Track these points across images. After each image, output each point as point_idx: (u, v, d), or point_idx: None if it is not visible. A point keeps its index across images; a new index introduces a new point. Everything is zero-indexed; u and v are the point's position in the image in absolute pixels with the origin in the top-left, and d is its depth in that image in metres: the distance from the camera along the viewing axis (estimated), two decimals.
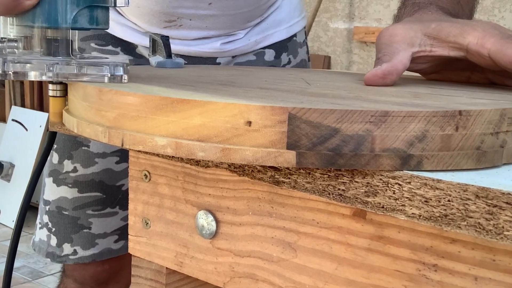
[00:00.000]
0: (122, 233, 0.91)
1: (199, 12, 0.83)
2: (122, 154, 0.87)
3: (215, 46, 0.87)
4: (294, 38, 0.96)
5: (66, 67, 0.49)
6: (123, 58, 0.56)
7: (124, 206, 0.89)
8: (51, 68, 0.49)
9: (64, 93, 0.53)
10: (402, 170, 0.38)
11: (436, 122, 0.39)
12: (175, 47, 0.84)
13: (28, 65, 0.49)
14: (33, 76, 0.49)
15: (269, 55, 0.92)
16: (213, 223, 0.49)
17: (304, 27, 0.98)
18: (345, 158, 0.38)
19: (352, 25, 2.60)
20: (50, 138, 0.59)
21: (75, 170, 0.87)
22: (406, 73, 0.63)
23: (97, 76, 0.49)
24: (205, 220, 0.50)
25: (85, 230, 0.89)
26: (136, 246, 0.56)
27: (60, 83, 0.52)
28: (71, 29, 0.52)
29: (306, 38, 1.00)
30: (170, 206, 0.53)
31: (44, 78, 0.49)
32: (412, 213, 0.37)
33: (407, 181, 0.37)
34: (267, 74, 0.67)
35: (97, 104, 0.46)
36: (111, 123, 0.45)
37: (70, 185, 0.88)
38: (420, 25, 0.58)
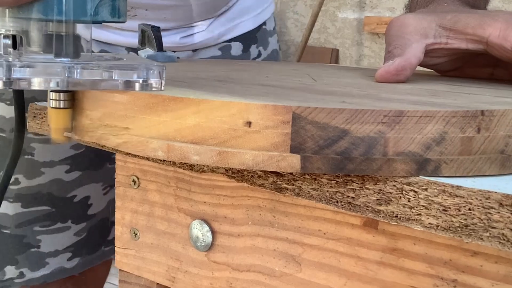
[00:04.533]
0: (77, 249, 0.89)
1: (156, 2, 0.81)
2: (73, 162, 0.85)
3: (173, 39, 0.85)
4: (264, 26, 0.94)
5: (91, 71, 0.43)
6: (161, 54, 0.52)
7: (77, 220, 0.88)
8: (69, 74, 0.42)
9: (71, 104, 0.46)
10: (418, 176, 0.38)
11: (456, 123, 0.39)
12: (127, 39, 0.82)
13: (39, 70, 0.42)
14: (45, 84, 0.42)
15: (236, 48, 0.91)
16: (209, 234, 0.49)
17: (273, 13, 0.97)
18: (355, 163, 0.38)
19: (362, 15, 2.60)
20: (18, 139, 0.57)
21: (16, 182, 0.84)
22: (422, 69, 0.63)
23: (126, 82, 0.44)
24: (200, 231, 0.50)
25: (32, 249, 0.86)
26: (123, 259, 0.56)
27: (66, 90, 0.46)
28: (92, 23, 0.46)
29: (275, 24, 0.99)
30: (161, 215, 0.53)
31: (59, 86, 0.43)
32: (429, 223, 0.37)
33: (424, 187, 0.37)
34: (269, 69, 0.67)
35: (81, 102, 0.46)
36: (96, 123, 0.45)
37: (11, 200, 0.84)
38: (435, 16, 0.58)
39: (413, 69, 0.56)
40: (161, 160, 0.50)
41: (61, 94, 0.45)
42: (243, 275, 0.48)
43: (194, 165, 0.48)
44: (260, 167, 0.39)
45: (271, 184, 0.43)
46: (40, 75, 0.42)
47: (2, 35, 0.46)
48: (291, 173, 0.42)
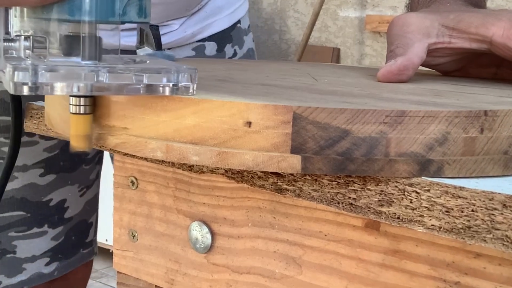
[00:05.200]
0: (54, 254, 0.88)
1: None
2: (47, 165, 0.84)
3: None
4: (238, 25, 0.93)
5: (120, 76, 0.41)
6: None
7: (54, 224, 0.87)
8: (100, 78, 0.40)
9: (92, 109, 0.44)
10: (420, 177, 0.38)
11: (459, 123, 0.39)
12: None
13: (66, 74, 0.40)
14: (69, 88, 0.40)
15: (210, 48, 0.90)
16: (208, 236, 0.49)
17: (248, 11, 0.96)
18: (357, 163, 0.39)
19: (364, 13, 2.60)
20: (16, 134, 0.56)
21: None
22: (424, 69, 0.63)
23: (155, 86, 0.41)
24: (199, 232, 0.50)
25: (8, 256, 0.85)
26: (121, 261, 0.56)
27: (86, 95, 0.43)
28: (121, 23, 0.45)
29: (249, 23, 0.97)
30: (160, 217, 0.53)
31: (84, 91, 0.40)
32: (432, 225, 0.37)
33: (426, 188, 0.37)
34: (269, 68, 0.67)
35: None
36: (94, 123, 0.45)
37: None
38: (437, 15, 0.58)
39: (416, 68, 0.56)
40: (160, 161, 0.50)
41: (82, 99, 0.43)
42: (243, 277, 0.48)
43: (193, 166, 0.48)
44: (260, 168, 0.39)
45: (271, 185, 0.43)
46: (67, 80, 0.40)
47: (23, 36, 0.44)
48: (291, 174, 0.42)
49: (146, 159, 0.52)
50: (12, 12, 0.44)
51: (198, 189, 0.50)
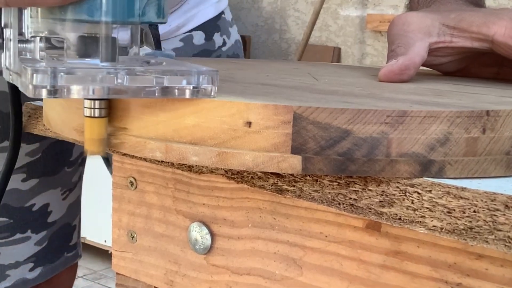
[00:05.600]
0: (38, 259, 0.88)
1: None
2: (29, 169, 0.83)
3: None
4: (223, 15, 0.92)
5: (140, 78, 0.40)
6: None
7: (37, 229, 0.86)
8: (119, 81, 0.39)
9: (107, 112, 0.43)
10: (421, 177, 0.38)
11: (461, 123, 0.39)
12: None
13: (86, 76, 0.39)
14: (92, 91, 0.39)
15: (199, 37, 0.89)
16: (208, 237, 0.49)
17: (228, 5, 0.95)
18: (358, 164, 0.39)
19: (365, 12, 2.60)
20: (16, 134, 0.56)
21: None
22: (425, 68, 0.63)
23: (174, 89, 0.40)
24: (199, 233, 0.50)
25: None
26: (120, 262, 0.56)
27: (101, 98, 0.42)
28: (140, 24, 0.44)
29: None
30: (159, 217, 0.53)
31: (104, 94, 0.39)
32: (433, 226, 0.37)
33: (428, 189, 0.37)
34: (269, 68, 0.67)
35: (77, 102, 0.46)
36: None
37: None
38: (438, 14, 0.58)
39: (417, 68, 0.56)
40: (159, 161, 0.50)
41: (97, 101, 0.42)
42: (243, 278, 0.48)
43: (193, 166, 0.48)
44: (261, 168, 0.39)
45: (271, 186, 0.43)
46: (87, 83, 0.39)
47: (38, 38, 0.43)
48: (292, 175, 0.42)
49: (145, 159, 0.52)
50: (26, 12, 0.43)
51: (198, 190, 0.50)
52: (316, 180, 0.41)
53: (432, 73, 0.67)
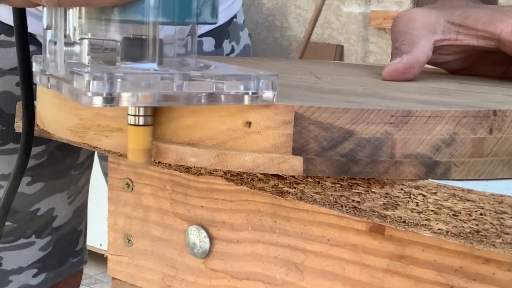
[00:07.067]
0: (42, 265, 0.88)
1: None
2: (35, 173, 0.83)
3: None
4: (234, 19, 0.92)
5: (201, 84, 0.38)
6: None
7: (42, 234, 0.87)
8: (177, 86, 0.38)
9: (153, 120, 0.41)
10: (426, 179, 0.38)
11: (467, 123, 0.39)
12: None
13: (144, 82, 0.37)
14: (151, 100, 0.37)
15: (208, 44, 0.89)
16: (206, 240, 0.49)
17: (242, 5, 0.95)
18: (361, 165, 0.39)
19: (368, 9, 2.60)
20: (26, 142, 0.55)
21: None
22: (430, 67, 0.63)
23: (230, 95, 0.39)
24: (197, 237, 0.50)
25: None
26: (116, 267, 0.56)
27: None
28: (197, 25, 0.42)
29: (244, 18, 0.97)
30: (156, 220, 0.53)
31: (154, 101, 0.37)
32: (439, 229, 0.37)
33: (433, 191, 0.37)
34: (270, 66, 0.67)
35: (72, 102, 0.46)
36: (88, 123, 0.45)
37: None
38: (443, 11, 0.58)
39: (422, 66, 0.56)
40: (156, 162, 0.50)
41: (142, 108, 0.40)
42: (242, 283, 0.48)
43: (191, 168, 0.48)
44: (261, 170, 0.39)
45: (272, 188, 0.43)
46: (143, 89, 0.37)
47: (86, 40, 0.40)
48: (293, 176, 0.42)
49: None
50: (72, 13, 0.41)
51: (196, 192, 0.50)
52: (318, 182, 0.41)
53: (437, 71, 0.67)
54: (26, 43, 0.52)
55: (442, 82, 0.57)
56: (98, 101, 0.36)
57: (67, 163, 0.87)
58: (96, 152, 0.96)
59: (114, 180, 0.55)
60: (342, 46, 2.68)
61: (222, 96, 0.38)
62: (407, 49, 0.56)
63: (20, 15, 0.50)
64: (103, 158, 0.97)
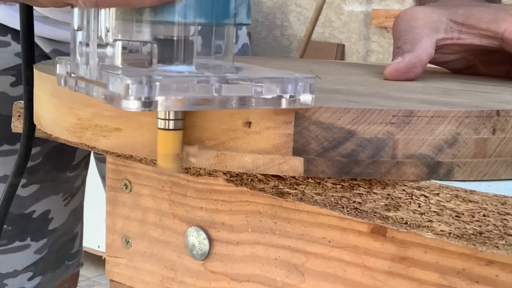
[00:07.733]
0: (38, 268, 0.87)
1: None
2: (30, 175, 0.83)
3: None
4: None
5: (241, 87, 0.37)
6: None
7: (37, 237, 0.86)
8: (216, 89, 0.36)
9: (183, 124, 0.40)
10: (429, 180, 0.38)
11: (470, 123, 0.39)
12: None
13: (184, 86, 0.36)
14: (185, 104, 0.36)
15: None
16: (206, 242, 0.49)
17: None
18: (362, 166, 0.39)
19: (369, 7, 2.60)
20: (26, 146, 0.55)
21: None
22: (433, 66, 0.63)
23: (268, 99, 0.38)
24: (196, 238, 0.50)
25: None
26: (114, 269, 0.56)
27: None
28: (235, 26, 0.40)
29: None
30: (155, 222, 0.53)
31: (188, 105, 0.36)
32: (441, 230, 0.37)
33: (435, 192, 0.37)
34: (270, 66, 0.67)
35: (70, 102, 0.46)
36: (85, 123, 0.45)
37: None
38: (445, 10, 0.58)
39: (424, 66, 0.56)
40: (154, 163, 0.50)
41: (172, 112, 0.39)
42: (242, 285, 0.48)
43: (190, 168, 0.48)
44: (261, 170, 0.39)
45: (272, 189, 0.43)
46: (184, 93, 0.36)
47: (120, 42, 0.39)
48: (293, 177, 0.42)
49: (140, 161, 0.52)
50: (104, 14, 0.40)
51: (195, 193, 0.50)
52: (319, 183, 0.41)
53: (440, 71, 0.67)
54: (32, 44, 0.52)
55: (445, 81, 0.57)
56: (136, 105, 0.35)
57: (63, 165, 0.87)
58: (93, 154, 0.96)
59: (112, 181, 0.55)
60: (343, 45, 2.68)
61: (259, 99, 0.37)
62: (409, 48, 0.56)
63: (27, 16, 0.50)
64: (101, 161, 0.97)
